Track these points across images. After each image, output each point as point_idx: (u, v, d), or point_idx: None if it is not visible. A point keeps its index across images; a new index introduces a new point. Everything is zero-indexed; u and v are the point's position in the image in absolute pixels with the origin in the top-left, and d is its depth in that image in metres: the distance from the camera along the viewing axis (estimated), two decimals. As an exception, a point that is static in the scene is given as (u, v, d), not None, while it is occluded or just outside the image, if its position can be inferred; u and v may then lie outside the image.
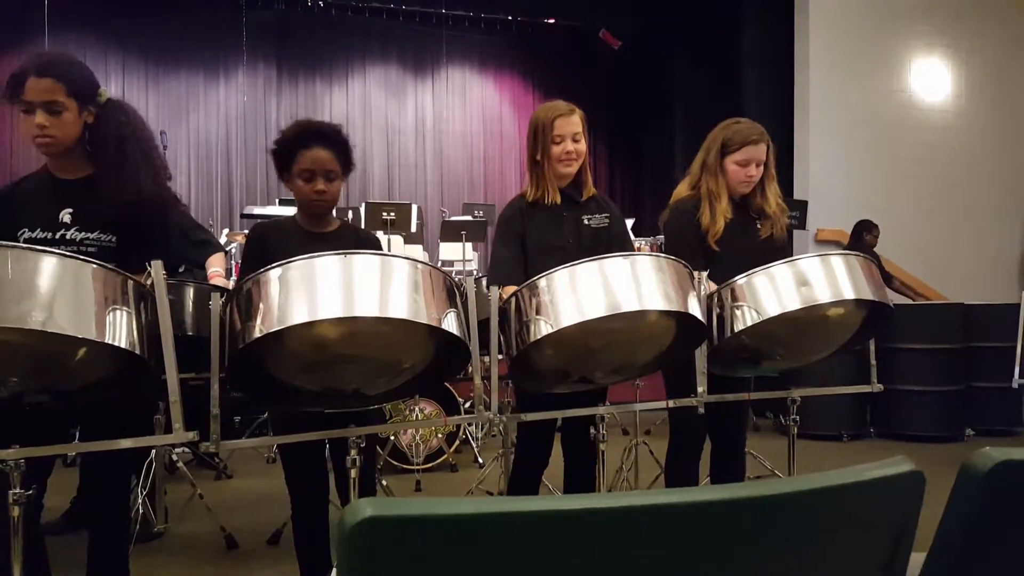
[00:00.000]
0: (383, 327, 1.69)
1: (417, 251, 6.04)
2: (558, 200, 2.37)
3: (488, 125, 9.24)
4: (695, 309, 1.90)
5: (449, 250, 6.36)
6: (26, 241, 1.83)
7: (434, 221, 7.27)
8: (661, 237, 4.89)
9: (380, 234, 4.52)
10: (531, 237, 2.35)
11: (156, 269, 1.58)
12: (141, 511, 3.02)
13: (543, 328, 1.77)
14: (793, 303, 1.99)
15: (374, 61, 8.98)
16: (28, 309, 1.38)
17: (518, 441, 2.45)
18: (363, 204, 6.06)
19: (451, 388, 4.12)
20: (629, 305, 1.77)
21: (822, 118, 6.40)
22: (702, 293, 1.97)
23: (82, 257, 1.50)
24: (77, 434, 1.99)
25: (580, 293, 1.78)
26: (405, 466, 3.99)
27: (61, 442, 1.72)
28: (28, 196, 1.91)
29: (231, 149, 8.33)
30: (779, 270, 2.02)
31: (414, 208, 5.93)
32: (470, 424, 4.49)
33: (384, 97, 9.01)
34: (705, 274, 2.00)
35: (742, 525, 0.57)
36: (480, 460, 4.30)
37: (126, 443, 1.64)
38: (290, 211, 5.84)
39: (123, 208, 1.88)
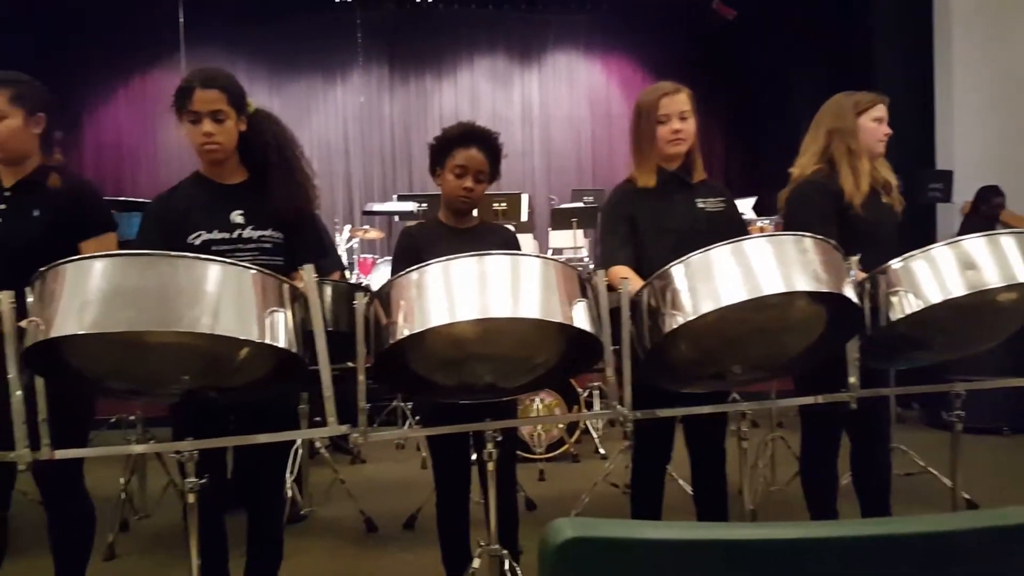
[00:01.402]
0: (517, 326, 1.73)
1: (528, 240, 6.08)
2: (668, 182, 2.31)
3: (596, 108, 9.14)
4: (849, 291, 1.78)
5: (559, 238, 6.37)
6: (205, 242, 2.00)
7: (543, 209, 7.29)
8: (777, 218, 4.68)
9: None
10: (642, 221, 2.29)
11: (308, 273, 1.68)
12: (289, 494, 3.23)
13: (677, 319, 1.74)
14: (959, 288, 1.83)
15: (481, 53, 9.08)
16: (198, 314, 1.50)
17: (635, 437, 2.39)
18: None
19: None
20: (773, 287, 1.67)
21: (967, 79, 5.83)
22: (852, 277, 1.82)
23: (243, 264, 1.61)
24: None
25: (717, 279, 1.70)
26: (527, 455, 4.04)
27: (229, 434, 1.86)
28: (191, 202, 2.07)
29: (349, 149, 8.67)
30: (940, 252, 1.87)
31: (524, 197, 5.96)
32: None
33: (491, 88, 9.11)
34: (856, 259, 1.86)
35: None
36: (601, 451, 4.30)
37: (289, 435, 1.75)
38: (407, 206, 6.07)
39: (292, 209, 2.06)
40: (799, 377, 2.29)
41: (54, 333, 1.44)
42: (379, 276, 5.68)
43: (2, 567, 2.20)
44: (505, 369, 1.90)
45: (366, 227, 6.57)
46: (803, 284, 1.72)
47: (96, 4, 7.76)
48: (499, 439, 1.94)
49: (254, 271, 1.60)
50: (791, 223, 2.35)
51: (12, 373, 1.59)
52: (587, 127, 9.12)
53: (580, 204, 6.21)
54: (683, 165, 2.35)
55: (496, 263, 1.71)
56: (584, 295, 1.75)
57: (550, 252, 6.30)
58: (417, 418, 4.62)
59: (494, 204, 5.41)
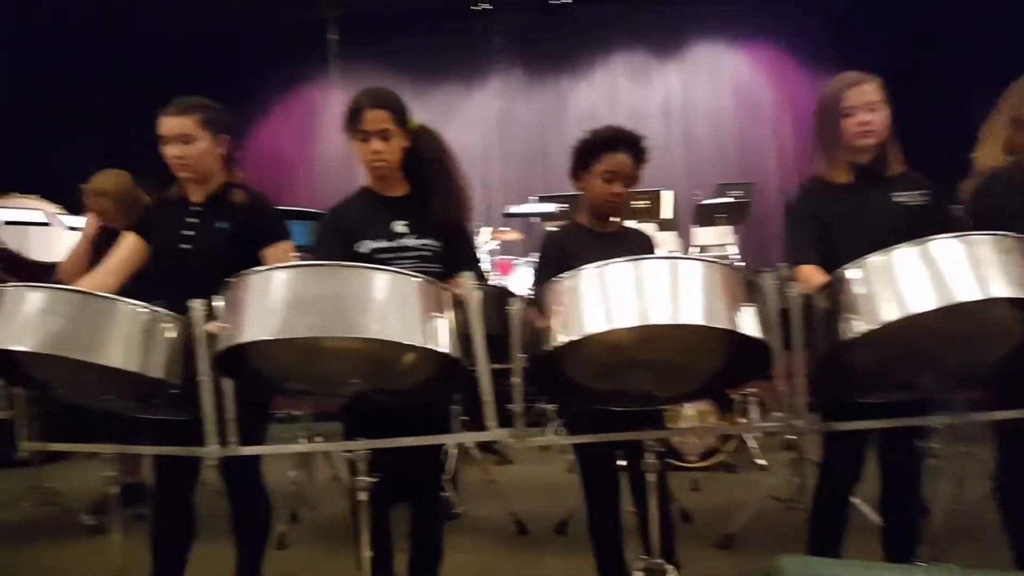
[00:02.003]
0: (678, 332, 1.68)
1: (671, 238, 5.92)
2: (859, 177, 2.17)
3: (741, 99, 8.77)
4: None
5: (704, 235, 6.14)
6: (371, 250, 2.12)
7: (684, 205, 7.07)
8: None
9: (634, 223, 4.48)
10: (833, 219, 2.16)
11: (467, 280, 1.71)
12: (445, 493, 3.31)
13: (854, 326, 1.61)
14: None
15: (618, 49, 8.97)
16: (369, 320, 1.57)
17: (824, 452, 2.25)
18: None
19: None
20: (967, 294, 1.52)
21: None
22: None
23: (407, 272, 1.66)
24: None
25: (900, 283, 1.57)
26: (679, 464, 3.91)
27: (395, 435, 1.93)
28: (359, 213, 2.21)
29: (488, 153, 8.83)
30: None
31: (668, 194, 5.81)
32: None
33: (629, 84, 8.97)
34: None
35: None
36: (760, 461, 4.10)
37: (451, 438, 1.79)
38: (547, 207, 6.10)
39: (449, 220, 2.16)
40: (993, 387, 2.08)
41: (243, 339, 1.54)
42: (518, 277, 5.74)
43: (191, 551, 2.40)
44: (664, 377, 1.84)
45: (505, 229, 6.67)
46: (1003, 290, 1.55)
47: (251, 28, 8.36)
48: (659, 449, 1.89)
49: (419, 279, 1.64)
50: (981, 219, 2.12)
51: (204, 375, 1.73)
52: (731, 119, 8.77)
53: (726, 199, 5.97)
54: (877, 157, 2.20)
55: (653, 267, 1.66)
56: (752, 298, 1.66)
57: (697, 250, 6.10)
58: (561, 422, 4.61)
59: (634, 202, 5.30)
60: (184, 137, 2.22)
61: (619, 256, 1.65)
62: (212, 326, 1.71)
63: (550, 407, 4.83)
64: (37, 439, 2.03)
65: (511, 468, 4.40)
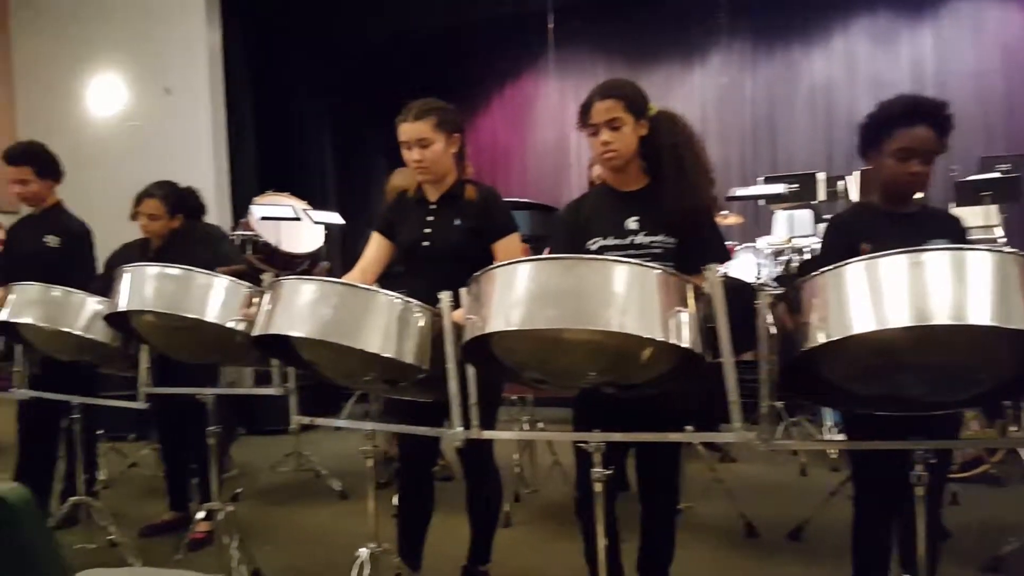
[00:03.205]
0: (959, 335, 1.46)
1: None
2: None
3: (1011, 60, 7.57)
4: None
5: (966, 215, 5.41)
6: (601, 248, 2.08)
7: (940, 181, 6.26)
8: None
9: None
10: None
11: (712, 272, 1.62)
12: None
13: None
14: None
15: (859, 12, 8.15)
16: (610, 313, 1.53)
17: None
18: (855, 173, 5.56)
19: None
20: None
21: None
22: None
23: (648, 264, 1.61)
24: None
25: None
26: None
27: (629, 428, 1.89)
28: (594, 209, 2.16)
29: (708, 132, 8.45)
30: None
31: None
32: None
33: (871, 50, 8.13)
34: None
35: None
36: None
37: (694, 437, 1.71)
38: (775, 188, 5.71)
39: (683, 213, 2.01)
40: None
41: (488, 329, 1.58)
42: (740, 263, 5.44)
43: (430, 525, 2.55)
44: (939, 383, 1.62)
45: (725, 212, 6.37)
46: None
47: (469, 23, 8.67)
48: (932, 460, 1.67)
49: (659, 271, 1.58)
50: None
51: (451, 362, 1.80)
52: (998, 84, 7.63)
53: (992, 175, 5.22)
54: None
55: (934, 260, 1.46)
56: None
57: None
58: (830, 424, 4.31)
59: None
60: (422, 141, 2.32)
61: (920, 242, 1.50)
62: (458, 316, 1.78)
63: (778, 404, 4.55)
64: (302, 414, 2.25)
65: (735, 467, 4.20)
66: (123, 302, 2.23)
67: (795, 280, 1.68)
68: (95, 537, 3.01)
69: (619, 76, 2.22)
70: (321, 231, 6.06)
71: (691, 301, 1.60)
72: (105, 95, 8.42)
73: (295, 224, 5.59)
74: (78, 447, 2.91)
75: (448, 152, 2.37)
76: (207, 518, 2.87)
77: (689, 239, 2.05)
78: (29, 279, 2.68)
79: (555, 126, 9.29)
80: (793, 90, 8.33)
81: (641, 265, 1.59)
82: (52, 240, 3.19)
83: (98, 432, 3.67)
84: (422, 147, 2.31)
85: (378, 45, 8.99)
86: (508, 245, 2.37)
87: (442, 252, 2.36)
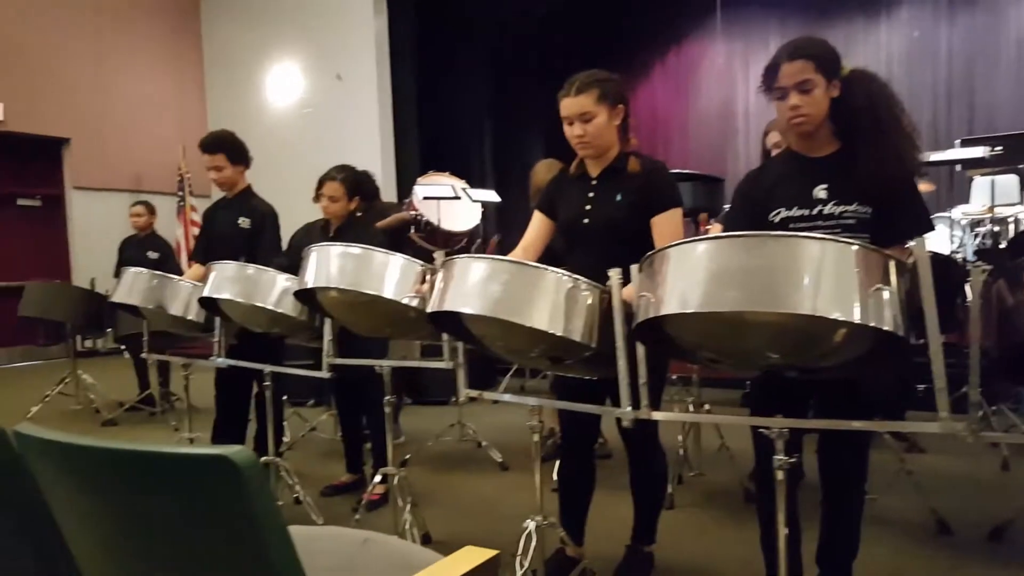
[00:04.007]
0: None
1: None
2: None
3: None
4: None
5: None
6: (783, 220, 1.94)
7: None
8: None
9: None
10: None
11: (919, 247, 1.46)
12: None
13: None
14: None
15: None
16: (800, 294, 1.42)
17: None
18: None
19: None
20: None
21: None
22: None
23: (844, 239, 1.48)
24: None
25: None
26: None
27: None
28: (777, 178, 2.02)
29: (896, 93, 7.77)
30: None
31: None
32: None
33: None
34: None
35: None
36: None
37: (892, 426, 1.57)
38: (974, 151, 5.13)
39: (882, 179, 1.84)
40: None
41: (664, 311, 1.52)
42: (932, 236, 4.94)
43: (591, 502, 2.54)
44: None
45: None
46: None
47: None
48: None
49: (855, 246, 1.45)
50: None
51: (620, 341, 1.76)
52: None
53: None
54: None
55: None
56: None
57: None
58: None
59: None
60: (584, 115, 2.25)
61: None
62: (628, 294, 1.73)
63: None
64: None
65: (924, 458, 3.85)
66: (310, 279, 2.38)
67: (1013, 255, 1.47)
68: (282, 494, 3.27)
69: (793, 35, 2.05)
70: (478, 209, 6.18)
71: (894, 278, 1.46)
72: (283, 83, 9.06)
73: (454, 203, 5.73)
74: (269, 411, 3.15)
75: (611, 125, 2.30)
76: (383, 481, 3.04)
77: (887, 208, 1.87)
78: (224, 257, 2.93)
79: (721, 92, 8.91)
80: (996, 42, 7.42)
81: (837, 241, 1.45)
82: (244, 222, 3.45)
83: (283, 398, 3.99)
84: (584, 122, 2.25)
85: (538, 19, 8.99)
86: (666, 221, 2.26)
87: (602, 229, 2.31)
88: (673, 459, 3.38)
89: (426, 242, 5.70)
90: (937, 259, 2.13)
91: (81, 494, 0.92)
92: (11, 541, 1.06)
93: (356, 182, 3.48)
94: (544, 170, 3.53)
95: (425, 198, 5.64)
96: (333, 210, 3.44)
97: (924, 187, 5.70)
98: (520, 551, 2.19)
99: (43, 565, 1.05)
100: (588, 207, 2.35)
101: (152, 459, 0.83)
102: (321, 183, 3.45)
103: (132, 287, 3.24)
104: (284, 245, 3.70)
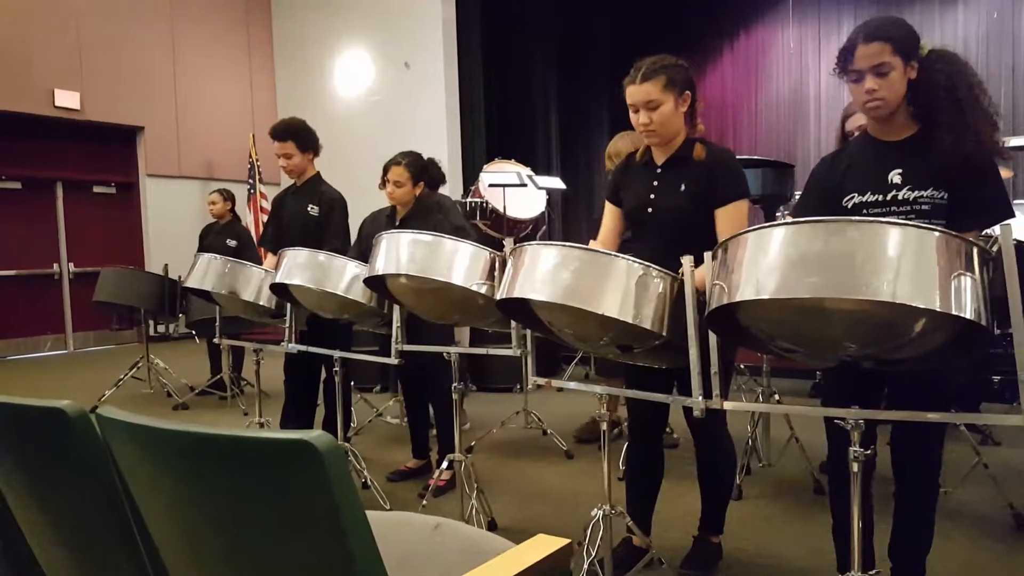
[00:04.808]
0: None
1: None
2: None
3: None
4: None
5: None
6: (856, 205, 1.90)
7: None
8: None
9: None
10: None
11: (1005, 233, 1.41)
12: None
13: None
14: None
15: None
16: (880, 282, 1.39)
17: None
18: None
19: None
20: None
21: None
22: None
23: (925, 225, 1.44)
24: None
25: None
26: None
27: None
28: (852, 162, 1.97)
29: (975, 75, 7.45)
30: None
31: None
32: None
33: None
34: None
35: None
36: None
37: (970, 418, 1.52)
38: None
39: (961, 163, 1.78)
40: None
41: (739, 297, 1.50)
42: (1015, 222, 4.70)
43: (660, 490, 2.53)
44: None
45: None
46: None
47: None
48: None
49: (937, 232, 1.41)
50: None
51: (692, 329, 1.75)
52: None
53: None
54: None
55: None
56: None
57: None
58: None
59: None
60: (650, 103, 2.21)
61: None
62: (700, 281, 1.71)
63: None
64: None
65: (999, 450, 3.70)
66: (380, 266, 2.43)
67: None
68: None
69: (867, 16, 1.98)
70: (543, 196, 6.18)
71: (976, 266, 1.41)
72: (351, 72, 9.21)
73: (519, 190, 5.74)
74: (338, 396, 3.23)
75: (678, 113, 2.26)
76: (448, 467, 3.09)
77: (964, 192, 1.81)
78: (293, 244, 3.00)
79: (792, 76, 8.67)
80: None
81: (919, 227, 1.42)
82: (314, 209, 3.53)
83: (350, 383, 4.07)
84: (650, 109, 2.21)
85: (605, 4, 8.91)
86: (730, 213, 2.21)
87: (666, 218, 2.28)
88: (741, 449, 3.34)
89: (491, 229, 5.73)
90: (1021, 246, 2.04)
91: (164, 477, 0.93)
92: (96, 524, 1.08)
93: (421, 167, 3.49)
94: (620, 141, 3.44)
95: (491, 185, 5.67)
96: (398, 195, 3.45)
97: (1003, 173, 5.42)
98: (587, 539, 2.21)
99: (126, 549, 1.07)
100: (652, 196, 2.32)
101: (234, 444, 0.83)
102: (386, 168, 3.48)
103: (205, 273, 3.32)
104: (352, 233, 3.77)
